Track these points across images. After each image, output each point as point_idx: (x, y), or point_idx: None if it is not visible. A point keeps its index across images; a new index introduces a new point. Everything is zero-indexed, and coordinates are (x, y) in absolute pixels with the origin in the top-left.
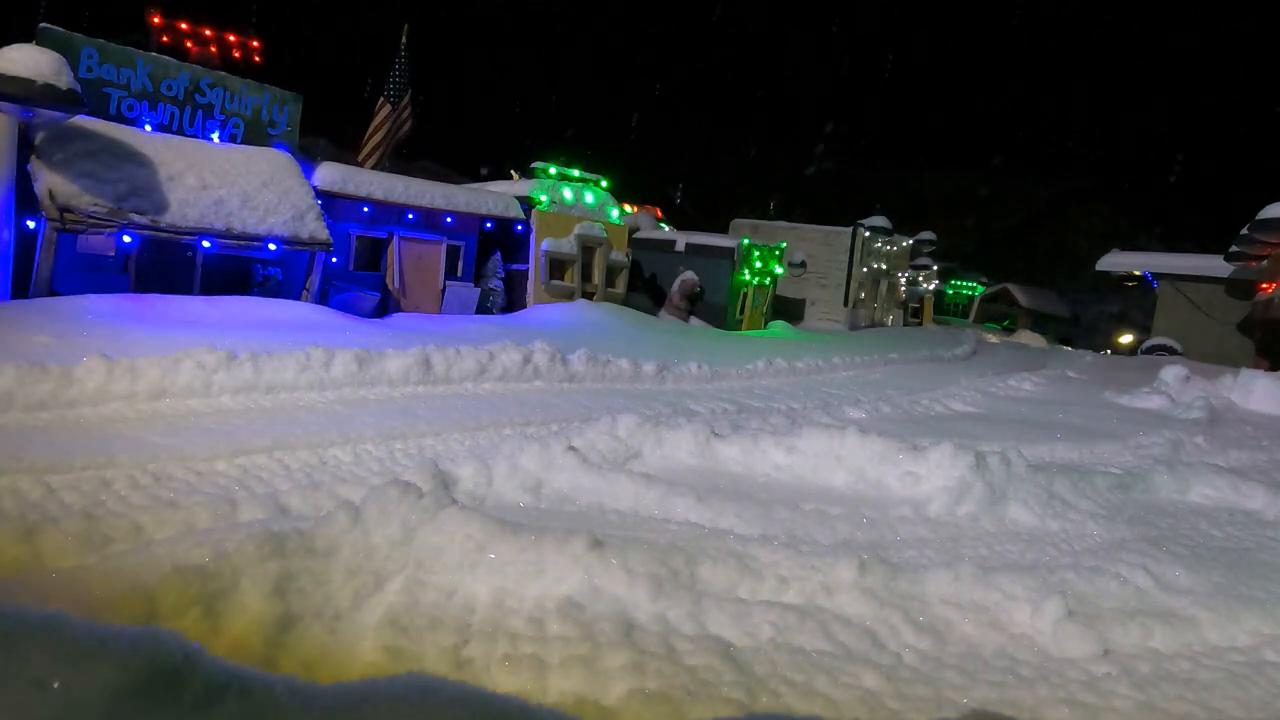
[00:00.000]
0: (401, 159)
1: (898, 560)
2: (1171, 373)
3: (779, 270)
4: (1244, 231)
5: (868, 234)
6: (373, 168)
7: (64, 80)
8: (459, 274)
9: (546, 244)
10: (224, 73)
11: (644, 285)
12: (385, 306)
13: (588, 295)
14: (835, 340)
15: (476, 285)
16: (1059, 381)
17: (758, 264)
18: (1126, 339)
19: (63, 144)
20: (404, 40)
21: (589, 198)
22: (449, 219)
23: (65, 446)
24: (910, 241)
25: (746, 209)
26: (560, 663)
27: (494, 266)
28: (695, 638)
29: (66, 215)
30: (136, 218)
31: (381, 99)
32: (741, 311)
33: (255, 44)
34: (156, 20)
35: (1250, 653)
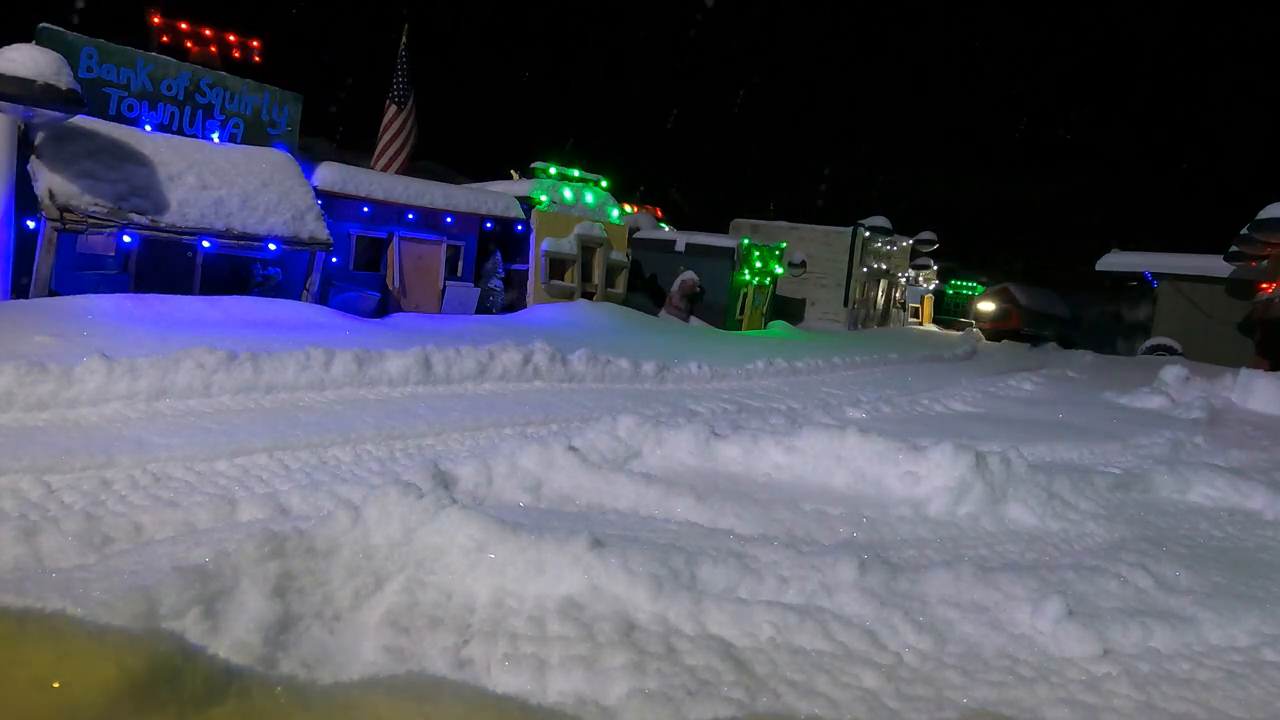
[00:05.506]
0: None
1: (898, 560)
2: (1171, 373)
3: (779, 270)
4: (1244, 231)
5: (868, 234)
6: (398, 173)
7: (64, 80)
8: (459, 274)
9: (546, 244)
10: (224, 73)
11: (644, 285)
12: (385, 306)
13: (588, 295)
14: (835, 340)
15: (476, 285)
16: (1059, 381)
17: (758, 264)
18: (986, 306)
19: (63, 144)
20: (404, 40)
21: (589, 198)
22: (449, 219)
23: (65, 446)
24: (910, 241)
25: (747, 209)
26: (560, 662)
27: (494, 266)
28: (695, 638)
29: (66, 215)
30: (136, 218)
31: (388, 101)
32: (741, 311)
33: (255, 44)
34: (156, 20)
35: (1250, 653)
